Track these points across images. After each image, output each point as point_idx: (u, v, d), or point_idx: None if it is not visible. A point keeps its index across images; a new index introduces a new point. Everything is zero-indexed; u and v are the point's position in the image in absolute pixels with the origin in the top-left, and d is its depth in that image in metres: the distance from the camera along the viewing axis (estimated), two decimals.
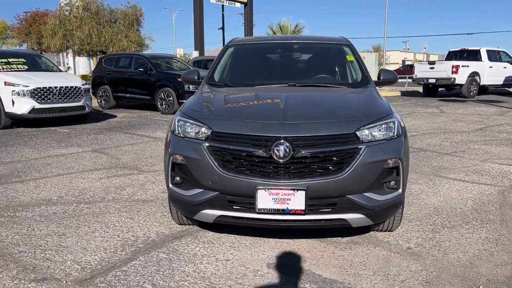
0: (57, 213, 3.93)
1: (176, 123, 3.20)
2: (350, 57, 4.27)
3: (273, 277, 2.76)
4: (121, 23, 21.78)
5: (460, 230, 3.55)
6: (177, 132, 3.15)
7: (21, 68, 9.77)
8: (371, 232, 3.46)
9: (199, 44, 21.81)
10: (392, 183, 3.03)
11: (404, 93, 20.56)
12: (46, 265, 2.89)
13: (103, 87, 13.20)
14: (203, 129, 3.03)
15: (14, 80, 8.97)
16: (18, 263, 2.92)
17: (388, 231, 3.45)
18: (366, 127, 2.94)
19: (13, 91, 8.82)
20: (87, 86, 10.12)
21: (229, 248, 3.19)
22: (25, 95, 8.85)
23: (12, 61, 9.81)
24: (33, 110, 8.96)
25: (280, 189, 2.78)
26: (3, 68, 9.53)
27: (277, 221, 2.87)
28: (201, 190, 2.97)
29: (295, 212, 2.80)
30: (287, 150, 2.77)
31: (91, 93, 10.79)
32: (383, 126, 3.03)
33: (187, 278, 2.73)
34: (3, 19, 36.50)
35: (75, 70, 26.51)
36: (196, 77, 4.23)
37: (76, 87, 9.60)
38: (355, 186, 2.85)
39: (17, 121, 9.45)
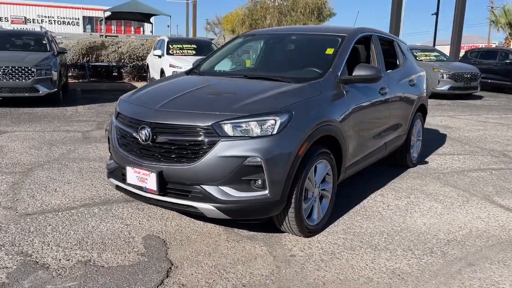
0: None
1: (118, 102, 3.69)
2: (330, 50, 3.93)
3: (134, 248, 2.99)
4: (301, 12, 22.69)
5: None
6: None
7: None
8: (284, 233, 3.31)
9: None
10: (258, 182, 2.87)
11: None
12: None
13: None
14: (116, 109, 3.49)
15: None
16: None
17: (296, 234, 3.25)
18: (228, 121, 2.84)
19: None
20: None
21: (137, 216, 3.50)
22: None
23: None
24: None
25: (141, 168, 3.00)
26: None
27: (140, 196, 3.12)
28: (112, 161, 3.45)
29: (151, 192, 3.00)
30: (148, 135, 2.96)
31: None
32: (253, 123, 2.87)
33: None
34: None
35: None
36: None
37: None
38: (208, 178, 2.84)
39: None
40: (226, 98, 3.21)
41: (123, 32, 47.11)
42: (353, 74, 3.63)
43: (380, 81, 4.23)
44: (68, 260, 2.81)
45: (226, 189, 2.84)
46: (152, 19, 30.48)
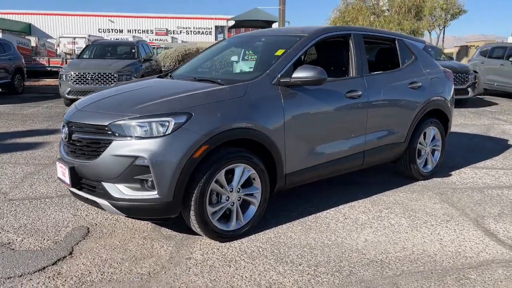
0: None
1: None
2: (279, 52, 3.75)
3: (56, 236, 3.26)
4: (396, 11, 21.28)
5: None
6: None
7: None
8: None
9: None
10: (149, 182, 2.92)
11: None
12: None
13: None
14: None
15: None
16: None
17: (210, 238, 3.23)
18: (122, 121, 2.94)
19: None
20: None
21: (89, 209, 3.77)
22: None
23: None
24: None
25: (62, 163, 3.28)
26: None
27: (67, 188, 3.39)
28: None
29: (67, 185, 3.25)
30: (66, 133, 3.23)
31: None
32: (146, 123, 2.91)
33: None
34: None
35: None
36: None
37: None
38: (105, 175, 2.97)
39: None
40: (138, 99, 3.30)
41: None
42: (293, 75, 3.44)
43: (351, 83, 3.94)
44: None
45: (120, 187, 2.95)
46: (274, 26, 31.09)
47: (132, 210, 2.99)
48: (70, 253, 3.03)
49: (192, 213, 3.03)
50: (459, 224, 3.60)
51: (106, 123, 2.97)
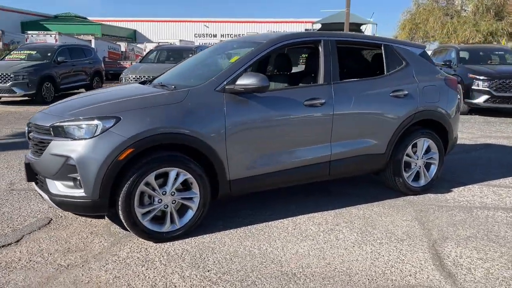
0: None
1: None
2: (234, 59, 3.76)
3: (19, 224, 3.63)
4: (472, 11, 19.43)
5: None
6: None
7: None
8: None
9: None
10: (77, 181, 3.14)
11: None
12: None
13: None
14: None
15: None
16: None
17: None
18: (59, 123, 3.18)
19: None
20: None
21: None
22: None
23: None
24: None
25: (26, 160, 3.63)
26: None
27: None
28: None
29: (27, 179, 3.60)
30: (26, 132, 3.58)
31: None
32: (77, 126, 3.13)
33: None
34: None
35: None
36: None
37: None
38: (46, 172, 3.25)
39: None
40: (84, 103, 3.53)
41: None
42: (236, 83, 3.46)
43: (313, 91, 3.85)
44: None
45: (57, 183, 3.23)
46: (364, 29, 30.39)
47: (66, 206, 3.24)
48: (18, 241, 3.36)
49: (120, 213, 3.19)
50: (411, 245, 3.34)
51: (48, 125, 3.26)
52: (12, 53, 14.41)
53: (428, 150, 4.51)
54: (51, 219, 3.78)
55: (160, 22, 47.87)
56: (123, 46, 26.78)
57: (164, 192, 3.29)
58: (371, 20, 27.30)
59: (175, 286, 2.73)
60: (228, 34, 46.58)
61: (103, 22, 43.53)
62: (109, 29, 41.09)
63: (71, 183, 3.17)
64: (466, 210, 4.06)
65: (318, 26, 30.03)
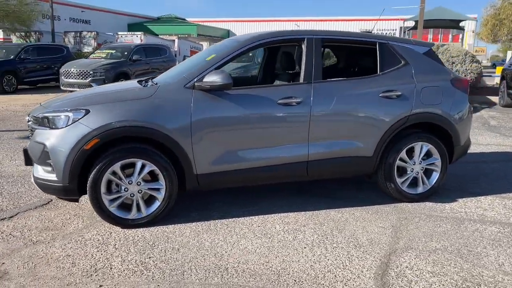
0: None
1: None
2: (210, 57, 3.84)
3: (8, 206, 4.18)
4: None
5: None
6: None
7: None
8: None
9: None
10: (51, 166, 3.48)
11: None
12: None
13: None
14: None
15: None
16: None
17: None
18: (41, 115, 3.52)
19: None
20: None
21: None
22: None
23: None
24: None
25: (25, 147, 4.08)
26: None
27: None
28: None
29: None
30: (27, 121, 4.03)
31: None
32: (52, 117, 3.44)
33: None
34: None
35: None
36: None
37: None
38: (33, 157, 3.62)
39: None
40: (71, 97, 3.88)
41: (439, 40, 46.54)
42: (203, 80, 3.58)
43: (289, 90, 3.85)
44: None
45: (39, 168, 3.62)
46: (464, 25, 28.12)
47: (45, 188, 3.61)
48: (11, 217, 3.82)
49: (88, 198, 3.49)
50: (367, 252, 3.20)
51: (35, 115, 3.66)
52: (96, 52, 15.83)
53: (429, 156, 4.22)
54: (51, 201, 4.20)
55: (250, 22, 49.12)
56: (205, 45, 27.94)
57: (130, 182, 3.51)
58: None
59: (111, 268, 2.93)
60: None
61: (200, 23, 45.91)
62: (204, 29, 43.23)
63: (49, 168, 3.53)
64: (456, 222, 3.76)
65: (411, 23, 28.55)
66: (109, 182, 3.50)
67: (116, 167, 3.46)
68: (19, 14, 20.96)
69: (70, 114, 3.43)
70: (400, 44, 4.22)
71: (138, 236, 3.44)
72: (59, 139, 3.40)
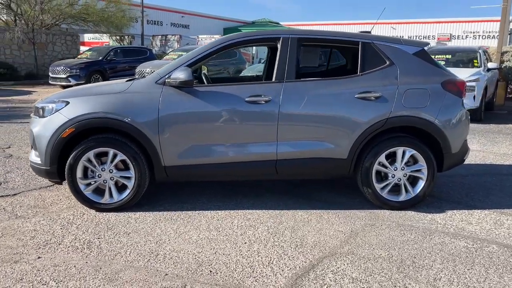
0: None
1: None
2: (181, 57, 4.01)
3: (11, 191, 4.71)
4: None
5: None
6: None
7: None
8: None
9: None
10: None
11: None
12: None
13: None
14: None
15: None
16: None
17: None
18: (39, 105, 3.99)
19: None
20: None
21: None
22: None
23: None
24: None
25: None
26: None
27: None
28: None
29: None
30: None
31: None
32: (42, 107, 3.88)
33: None
34: None
35: None
36: None
37: None
38: (30, 142, 4.16)
39: None
40: (65, 91, 4.31)
41: None
42: (171, 77, 3.79)
43: (258, 88, 3.93)
44: None
45: (32, 152, 4.09)
46: None
47: (34, 170, 4.07)
48: (15, 194, 4.36)
49: (66, 182, 3.88)
50: (302, 253, 3.16)
51: (36, 105, 4.15)
52: (169, 53, 16.84)
53: (415, 162, 3.99)
54: (53, 184, 4.69)
55: (348, 25, 48.26)
56: (254, 48, 28.31)
57: (103, 169, 3.83)
58: None
59: (60, 244, 3.24)
60: (416, 36, 44.36)
61: (292, 26, 46.43)
62: None
63: (37, 152, 3.98)
64: (424, 233, 3.53)
65: None
66: (86, 168, 3.84)
67: (91, 154, 3.79)
68: (114, 19, 22.95)
69: (54, 105, 3.84)
70: (386, 44, 4.04)
71: (104, 218, 3.74)
72: (43, 127, 3.82)
